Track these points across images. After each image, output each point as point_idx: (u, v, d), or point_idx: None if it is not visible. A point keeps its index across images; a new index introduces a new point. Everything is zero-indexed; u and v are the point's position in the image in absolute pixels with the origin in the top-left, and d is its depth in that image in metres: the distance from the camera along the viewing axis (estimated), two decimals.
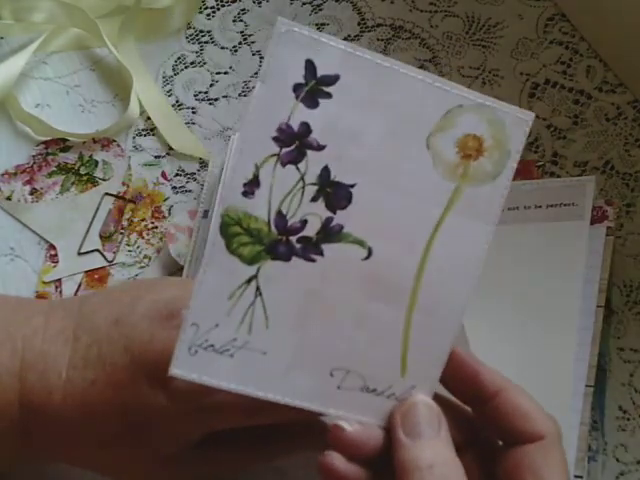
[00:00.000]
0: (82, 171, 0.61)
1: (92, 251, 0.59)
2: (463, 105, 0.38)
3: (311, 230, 0.38)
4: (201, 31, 0.65)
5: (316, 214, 0.38)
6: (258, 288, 0.38)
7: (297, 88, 0.37)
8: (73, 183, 0.60)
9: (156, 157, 0.61)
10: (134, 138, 0.62)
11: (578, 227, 0.52)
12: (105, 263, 0.58)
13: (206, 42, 0.64)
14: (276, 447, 0.46)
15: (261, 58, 0.63)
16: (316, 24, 0.64)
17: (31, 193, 0.60)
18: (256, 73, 0.63)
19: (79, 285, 0.58)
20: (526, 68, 0.62)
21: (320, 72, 0.38)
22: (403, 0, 0.64)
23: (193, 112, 0.62)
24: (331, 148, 0.38)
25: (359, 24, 0.64)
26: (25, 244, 0.59)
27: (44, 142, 0.61)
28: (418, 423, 0.38)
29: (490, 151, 0.39)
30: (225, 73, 0.63)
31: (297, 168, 0.38)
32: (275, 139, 0.38)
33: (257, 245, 0.38)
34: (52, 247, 0.59)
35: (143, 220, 0.60)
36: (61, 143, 0.61)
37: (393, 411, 0.38)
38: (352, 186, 0.38)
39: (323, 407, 0.38)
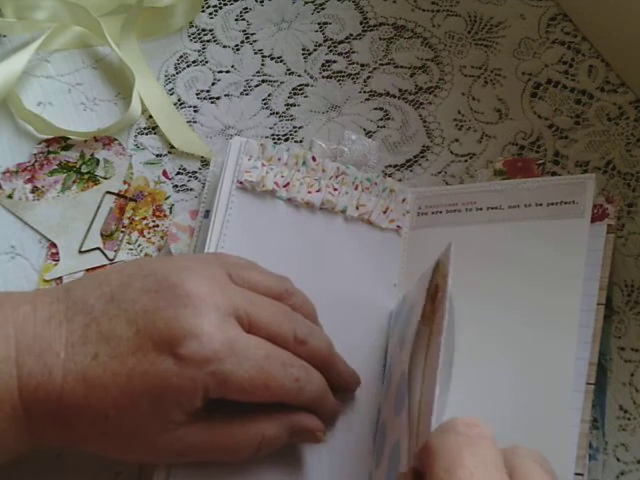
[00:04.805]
0: (83, 169, 0.61)
1: (93, 249, 0.59)
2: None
3: None
4: (203, 30, 0.65)
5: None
6: None
7: None
8: (74, 181, 0.60)
9: (157, 155, 0.61)
10: (136, 136, 0.62)
11: (578, 225, 0.52)
12: (106, 261, 0.58)
13: (208, 41, 0.64)
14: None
15: (263, 57, 0.63)
16: (318, 23, 0.64)
17: (32, 191, 0.60)
18: (258, 72, 0.63)
19: None
20: (528, 68, 0.62)
21: None
22: None
23: (195, 111, 0.62)
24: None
25: (361, 23, 0.64)
26: (26, 242, 0.59)
27: (46, 140, 0.61)
28: None
29: (441, 288, 0.44)
30: (227, 72, 0.63)
31: None
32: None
33: None
34: (53, 245, 0.59)
35: (144, 218, 0.59)
36: (62, 141, 0.61)
37: None
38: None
39: None
